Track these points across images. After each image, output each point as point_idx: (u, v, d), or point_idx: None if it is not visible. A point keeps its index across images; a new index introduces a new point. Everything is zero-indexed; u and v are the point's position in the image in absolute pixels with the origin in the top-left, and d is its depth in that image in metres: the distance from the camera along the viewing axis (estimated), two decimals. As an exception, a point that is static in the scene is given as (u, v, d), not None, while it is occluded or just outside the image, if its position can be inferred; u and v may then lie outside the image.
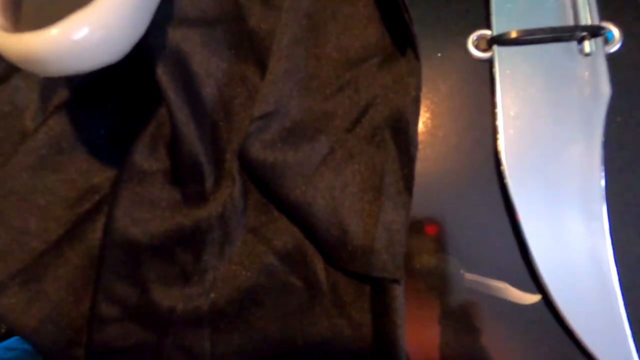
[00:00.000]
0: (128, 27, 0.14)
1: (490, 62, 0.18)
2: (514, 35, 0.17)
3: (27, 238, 0.17)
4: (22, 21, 0.13)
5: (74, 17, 0.12)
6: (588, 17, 0.17)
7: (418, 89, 0.16)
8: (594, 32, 0.17)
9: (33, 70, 0.13)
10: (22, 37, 0.12)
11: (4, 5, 0.13)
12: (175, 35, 0.18)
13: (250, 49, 0.19)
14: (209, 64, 0.18)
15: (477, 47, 0.18)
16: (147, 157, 0.17)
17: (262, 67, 0.19)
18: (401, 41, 0.17)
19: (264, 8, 0.20)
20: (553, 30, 0.17)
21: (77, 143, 0.18)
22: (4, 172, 0.18)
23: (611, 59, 0.17)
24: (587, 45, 0.17)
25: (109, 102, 0.18)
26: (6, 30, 0.12)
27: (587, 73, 0.17)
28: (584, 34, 0.17)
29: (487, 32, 0.18)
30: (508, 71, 0.17)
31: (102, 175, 0.18)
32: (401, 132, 0.16)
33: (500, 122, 0.17)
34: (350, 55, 0.18)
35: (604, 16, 0.17)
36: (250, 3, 0.20)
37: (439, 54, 0.18)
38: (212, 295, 0.16)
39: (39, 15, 0.13)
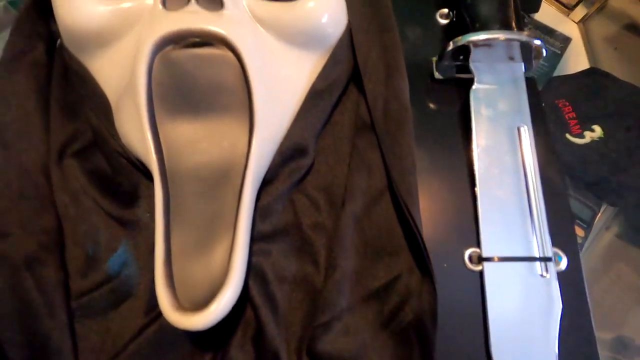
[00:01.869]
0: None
1: (480, 273, 0.25)
2: (496, 259, 0.25)
3: None
4: (176, 288, 0.20)
5: (219, 298, 0.19)
6: (544, 247, 0.25)
7: (434, 305, 0.23)
8: (547, 259, 0.25)
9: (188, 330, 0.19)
10: (189, 317, 0.18)
11: (168, 287, 0.19)
12: (257, 253, 0.24)
13: (307, 252, 0.26)
14: (282, 272, 0.25)
15: (470, 260, 0.26)
16: (239, 351, 0.23)
17: (316, 265, 0.25)
18: (422, 265, 0.24)
19: (315, 214, 0.27)
20: (521, 258, 0.25)
21: (181, 335, 0.24)
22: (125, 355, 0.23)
23: (561, 275, 0.25)
24: (544, 269, 0.24)
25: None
26: (173, 306, 0.19)
27: (545, 288, 0.24)
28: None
29: (478, 251, 0.26)
30: (493, 281, 0.25)
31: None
32: (423, 337, 0.23)
33: (489, 319, 0.24)
34: (383, 271, 0.25)
35: (555, 243, 0.25)
36: (305, 211, 0.27)
37: (445, 265, 0.26)
38: None
39: (188, 284, 0.20)
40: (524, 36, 0.27)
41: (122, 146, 0.26)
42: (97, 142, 0.28)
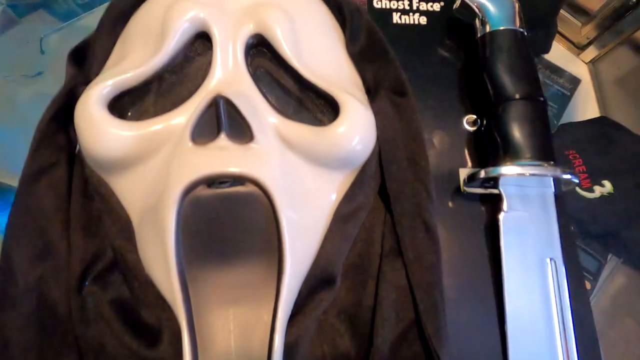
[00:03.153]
0: None
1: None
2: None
3: None
4: None
5: None
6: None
7: None
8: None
9: None
10: None
11: None
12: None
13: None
14: None
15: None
16: None
17: None
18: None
19: (339, 344, 0.26)
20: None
21: None
22: None
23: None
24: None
25: None
26: None
27: None
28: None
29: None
30: None
31: None
32: None
33: None
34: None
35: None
36: (329, 343, 0.26)
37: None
38: None
39: None
40: (556, 171, 0.26)
41: (145, 275, 0.25)
42: (117, 263, 0.27)
